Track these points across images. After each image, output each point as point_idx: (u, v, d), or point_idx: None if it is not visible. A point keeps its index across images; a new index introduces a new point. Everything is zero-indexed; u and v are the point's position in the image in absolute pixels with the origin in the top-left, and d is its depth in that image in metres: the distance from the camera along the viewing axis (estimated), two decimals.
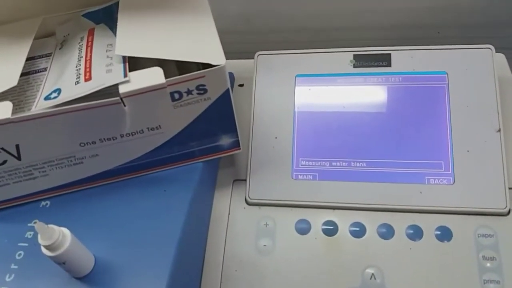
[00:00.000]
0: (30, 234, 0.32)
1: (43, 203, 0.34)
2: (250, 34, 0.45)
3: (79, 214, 0.33)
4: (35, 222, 0.32)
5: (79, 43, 0.34)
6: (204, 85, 0.30)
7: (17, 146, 0.30)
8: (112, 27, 0.35)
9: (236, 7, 0.45)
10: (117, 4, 0.37)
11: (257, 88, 0.39)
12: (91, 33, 0.35)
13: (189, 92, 0.30)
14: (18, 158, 0.30)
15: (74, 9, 0.38)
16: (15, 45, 0.34)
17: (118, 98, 0.28)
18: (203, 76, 0.29)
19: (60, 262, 0.27)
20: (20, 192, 0.32)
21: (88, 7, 0.38)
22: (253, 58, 0.40)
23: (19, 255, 0.31)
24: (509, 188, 0.33)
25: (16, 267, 0.30)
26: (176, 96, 0.30)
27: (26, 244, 0.31)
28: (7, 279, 0.30)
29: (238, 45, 0.43)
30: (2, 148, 0.29)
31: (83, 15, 0.37)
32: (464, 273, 0.32)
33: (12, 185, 0.32)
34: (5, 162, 0.30)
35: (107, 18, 0.37)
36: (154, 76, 0.29)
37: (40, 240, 0.26)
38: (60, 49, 0.36)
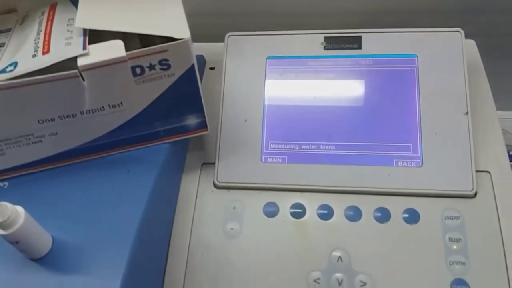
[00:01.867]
0: None
1: (1, 184, 0.32)
2: (221, 17, 0.44)
3: (38, 195, 0.31)
4: None
5: (39, 17, 0.33)
6: (167, 60, 0.29)
7: None
8: (76, 2, 0.34)
9: None
10: None
11: (227, 70, 0.38)
12: (52, 8, 0.33)
13: (151, 67, 0.29)
14: None
15: None
16: None
17: (75, 71, 0.27)
18: (166, 50, 0.28)
19: (13, 241, 0.26)
20: None
21: None
22: (222, 41, 0.40)
23: None
24: (476, 171, 0.33)
25: None
26: (138, 71, 0.29)
27: None
28: None
29: (209, 28, 0.42)
30: None
31: None
32: (431, 255, 0.32)
33: None
34: None
35: None
36: (114, 49, 0.28)
37: None
38: (20, 24, 0.34)
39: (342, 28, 0.39)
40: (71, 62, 0.28)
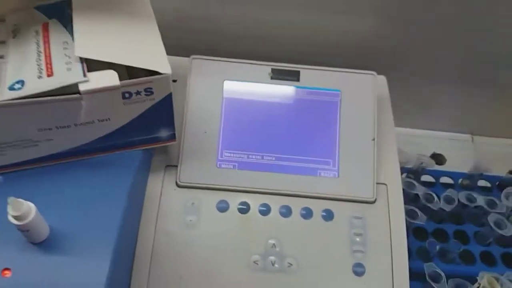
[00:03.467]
0: None
1: None
2: (181, 31, 0.51)
3: (31, 189, 0.37)
4: None
5: (35, 37, 0.38)
6: (151, 88, 0.36)
7: None
8: (64, 23, 0.40)
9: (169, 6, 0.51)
10: (67, 1, 0.41)
11: (190, 88, 0.46)
12: (45, 28, 0.39)
13: (138, 93, 0.36)
14: None
15: (25, 0, 0.41)
16: None
17: (79, 95, 0.33)
18: (152, 81, 0.36)
19: (25, 230, 0.32)
20: None
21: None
22: (184, 55, 0.46)
23: None
24: (376, 183, 0.45)
25: None
26: (127, 95, 0.36)
27: None
28: None
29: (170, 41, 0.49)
30: None
31: (35, 8, 0.41)
32: (340, 244, 0.43)
33: None
34: None
35: (58, 14, 0.41)
36: (109, 78, 0.34)
37: (10, 211, 0.31)
38: (13, 38, 0.39)
39: (286, 56, 0.48)
40: (70, 86, 0.34)
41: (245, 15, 0.54)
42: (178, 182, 0.44)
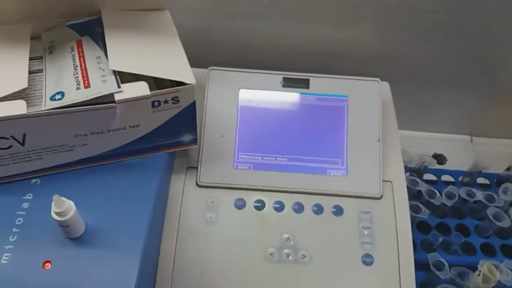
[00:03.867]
0: (26, 205, 0.39)
1: (34, 180, 0.41)
2: (199, 45, 0.55)
3: (65, 190, 0.40)
4: (29, 196, 0.40)
5: (70, 52, 0.42)
6: (177, 97, 0.40)
7: (24, 135, 0.37)
8: (96, 40, 0.44)
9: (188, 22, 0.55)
10: (96, 20, 0.45)
11: (208, 96, 0.50)
12: (79, 44, 0.43)
13: (166, 101, 0.40)
14: (22, 144, 0.38)
15: (58, 19, 0.45)
16: (14, 47, 0.41)
17: (114, 104, 0.37)
18: (178, 91, 0.39)
19: (65, 225, 0.36)
20: (17, 171, 0.40)
21: (70, 18, 0.46)
22: (201, 67, 0.50)
23: (19, 221, 0.38)
24: (383, 180, 0.48)
25: (17, 230, 0.38)
26: (156, 104, 0.39)
27: (24, 213, 0.39)
28: (11, 239, 0.37)
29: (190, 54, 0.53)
30: (12, 136, 0.37)
31: (67, 25, 0.45)
32: (350, 237, 0.46)
33: (12, 165, 0.39)
34: (10, 147, 0.38)
35: (89, 31, 0.45)
36: (141, 89, 0.38)
37: (53, 208, 0.35)
38: (49, 54, 0.43)
39: (296, 66, 0.52)
40: (105, 96, 0.38)
41: (258, 28, 0.58)
42: (198, 182, 0.47)
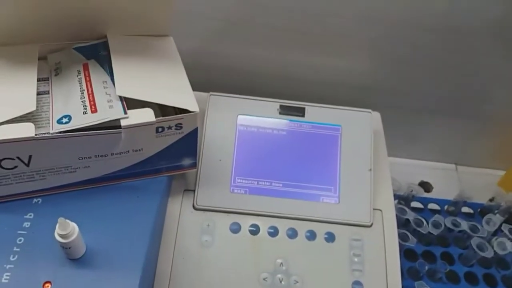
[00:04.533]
0: (27, 224, 0.40)
1: (35, 200, 0.42)
2: (199, 69, 0.57)
3: (65, 210, 0.41)
4: (31, 215, 0.41)
5: (77, 75, 0.43)
6: (181, 124, 0.41)
7: (30, 157, 0.38)
8: (101, 63, 0.45)
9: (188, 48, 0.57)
10: (102, 43, 0.47)
11: (207, 122, 0.51)
12: (86, 67, 0.44)
13: (169, 127, 0.41)
14: (27, 165, 0.39)
15: (64, 41, 0.47)
16: (21, 68, 0.42)
17: (120, 129, 0.38)
18: (182, 118, 0.41)
19: (67, 247, 0.37)
20: (19, 190, 0.40)
21: (76, 40, 0.47)
22: (200, 90, 0.51)
23: (20, 240, 0.39)
24: (373, 209, 0.50)
25: (18, 249, 0.38)
26: (160, 129, 0.41)
27: (25, 232, 0.39)
28: (11, 258, 0.38)
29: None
30: (18, 157, 0.38)
31: (74, 48, 0.46)
32: (340, 264, 0.48)
33: (15, 184, 0.40)
34: (15, 167, 0.38)
35: (95, 54, 0.46)
36: (147, 115, 0.40)
37: (58, 230, 0.35)
38: (55, 75, 0.44)
39: (292, 92, 0.54)
40: (111, 120, 0.39)
41: (257, 56, 0.60)
42: (195, 205, 0.49)
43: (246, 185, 0.50)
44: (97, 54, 0.46)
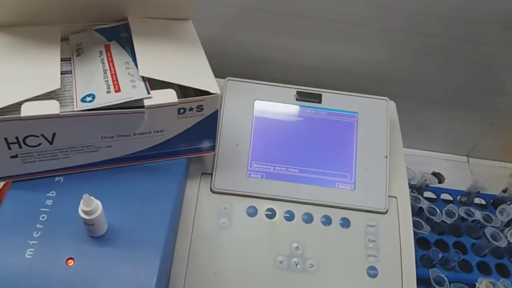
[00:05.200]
0: (49, 202, 0.40)
1: (57, 178, 0.42)
2: (216, 55, 0.58)
3: (87, 189, 0.41)
4: (53, 193, 0.41)
5: (99, 56, 0.43)
6: (202, 106, 0.42)
7: (54, 134, 0.38)
8: (123, 45, 0.45)
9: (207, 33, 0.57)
10: (123, 25, 0.47)
11: (225, 106, 0.52)
12: (108, 49, 0.44)
13: (191, 109, 0.41)
14: (51, 143, 0.39)
15: (86, 23, 0.47)
16: (44, 48, 0.42)
17: (143, 109, 0.39)
18: (203, 100, 0.41)
19: (91, 224, 0.37)
20: (42, 168, 0.41)
21: (97, 22, 0.47)
22: (217, 76, 0.52)
23: (43, 217, 0.39)
24: (388, 196, 0.50)
25: (41, 226, 0.39)
26: (182, 111, 0.41)
27: (47, 210, 0.40)
28: (34, 235, 0.38)
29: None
30: (42, 135, 0.38)
31: (95, 30, 0.46)
32: (355, 249, 0.48)
33: (38, 162, 0.40)
34: (39, 145, 0.39)
35: (116, 36, 0.46)
36: (169, 96, 0.40)
37: (82, 206, 0.36)
38: (77, 56, 0.44)
39: (309, 80, 0.54)
40: (134, 101, 0.39)
41: (274, 43, 0.60)
42: (213, 188, 0.49)
43: (263, 170, 0.50)
44: (118, 35, 0.46)
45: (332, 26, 0.58)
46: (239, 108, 0.52)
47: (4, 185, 0.43)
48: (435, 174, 0.69)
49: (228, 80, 0.53)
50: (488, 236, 0.53)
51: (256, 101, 0.53)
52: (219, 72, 0.52)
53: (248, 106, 0.52)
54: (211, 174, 0.50)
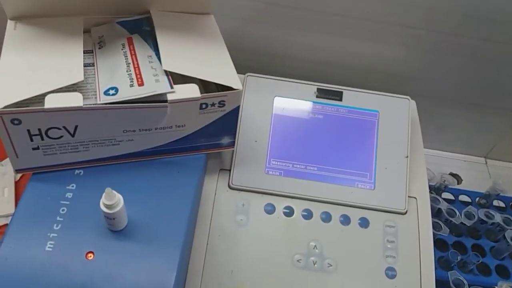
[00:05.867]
0: (69, 195, 0.40)
1: (77, 171, 0.42)
2: (236, 50, 0.57)
3: (107, 182, 0.41)
4: (73, 186, 0.41)
5: (122, 49, 0.43)
6: (224, 101, 0.41)
7: (76, 127, 0.38)
8: (145, 38, 0.45)
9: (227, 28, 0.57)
10: (145, 18, 0.46)
11: (245, 102, 0.51)
12: (130, 42, 0.44)
13: (213, 104, 0.41)
14: (72, 135, 0.39)
15: (108, 15, 0.47)
16: (67, 40, 0.42)
17: (166, 103, 0.38)
18: (226, 95, 0.41)
19: (112, 218, 0.37)
20: (63, 161, 0.41)
21: (119, 15, 0.47)
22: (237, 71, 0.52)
23: (63, 210, 0.39)
24: (408, 196, 0.50)
25: (61, 219, 0.39)
26: (204, 106, 0.41)
27: (67, 202, 0.40)
28: (55, 227, 0.38)
29: None
30: (64, 127, 0.38)
31: (117, 22, 0.46)
32: (374, 250, 0.47)
33: (59, 154, 0.40)
34: (61, 137, 0.39)
35: (138, 29, 0.46)
36: (192, 91, 0.40)
37: (104, 200, 0.36)
38: (99, 48, 0.44)
39: (329, 78, 0.53)
40: (157, 94, 0.39)
41: (294, 39, 0.59)
42: (231, 185, 0.49)
43: (281, 167, 0.50)
44: (140, 29, 0.46)
45: (353, 23, 0.57)
46: (258, 104, 0.52)
47: (24, 180, 0.43)
48: (453, 175, 0.68)
49: (248, 76, 0.52)
50: (508, 239, 0.52)
51: (276, 97, 0.52)
52: (239, 67, 0.52)
53: (267, 102, 0.52)
54: (229, 170, 0.49)
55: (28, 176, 0.42)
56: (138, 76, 0.40)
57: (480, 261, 0.52)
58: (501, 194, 0.60)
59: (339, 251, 0.47)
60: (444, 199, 0.60)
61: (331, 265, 0.46)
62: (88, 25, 0.46)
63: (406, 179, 0.50)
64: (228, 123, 0.44)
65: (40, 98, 0.36)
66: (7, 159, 0.42)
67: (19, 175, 0.52)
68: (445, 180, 0.58)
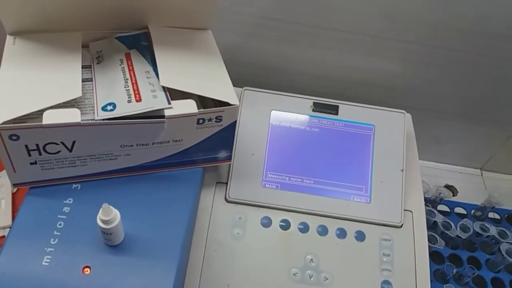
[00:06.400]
0: (67, 209, 0.41)
1: (75, 185, 0.42)
2: (233, 64, 0.58)
3: (104, 197, 0.42)
4: (70, 200, 0.41)
5: (120, 64, 0.43)
6: (221, 116, 0.42)
7: (73, 142, 0.39)
8: (143, 53, 0.45)
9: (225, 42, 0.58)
10: (143, 34, 0.47)
11: (241, 116, 0.52)
12: (128, 57, 0.44)
13: (210, 119, 0.41)
14: (70, 150, 0.39)
15: (106, 30, 0.47)
16: (65, 55, 0.42)
17: (164, 119, 0.39)
18: (223, 111, 0.41)
19: (109, 233, 0.37)
20: (60, 175, 0.41)
21: (117, 30, 0.47)
22: (234, 85, 0.52)
23: (60, 224, 0.40)
24: (404, 210, 0.50)
25: (58, 233, 0.39)
26: (201, 121, 0.41)
27: (64, 217, 0.40)
28: (52, 242, 0.38)
29: None
30: (62, 142, 0.38)
31: (115, 37, 0.47)
32: (370, 263, 0.48)
33: (56, 169, 0.40)
34: (59, 152, 0.39)
35: (136, 44, 0.46)
36: (189, 106, 0.40)
37: (101, 216, 0.36)
38: (98, 63, 0.45)
39: (324, 91, 0.54)
40: (155, 110, 0.39)
41: (290, 53, 0.60)
42: (227, 198, 0.49)
43: (278, 181, 0.50)
44: (138, 44, 0.46)
45: (350, 37, 0.58)
46: (255, 118, 0.52)
47: (21, 191, 0.44)
48: (448, 186, 0.69)
49: (245, 90, 0.53)
50: (503, 252, 0.52)
51: (273, 111, 0.52)
52: (236, 81, 0.52)
53: (264, 116, 0.52)
54: (226, 183, 0.49)
55: (25, 188, 0.42)
56: (136, 92, 0.40)
57: (475, 274, 0.52)
58: (496, 207, 0.60)
59: (335, 264, 0.47)
60: (440, 211, 0.60)
61: (327, 279, 0.46)
62: (87, 40, 0.46)
63: (401, 193, 0.51)
64: (225, 138, 0.44)
65: (38, 113, 0.37)
66: (4, 171, 0.42)
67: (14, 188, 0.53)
68: (440, 193, 0.58)
